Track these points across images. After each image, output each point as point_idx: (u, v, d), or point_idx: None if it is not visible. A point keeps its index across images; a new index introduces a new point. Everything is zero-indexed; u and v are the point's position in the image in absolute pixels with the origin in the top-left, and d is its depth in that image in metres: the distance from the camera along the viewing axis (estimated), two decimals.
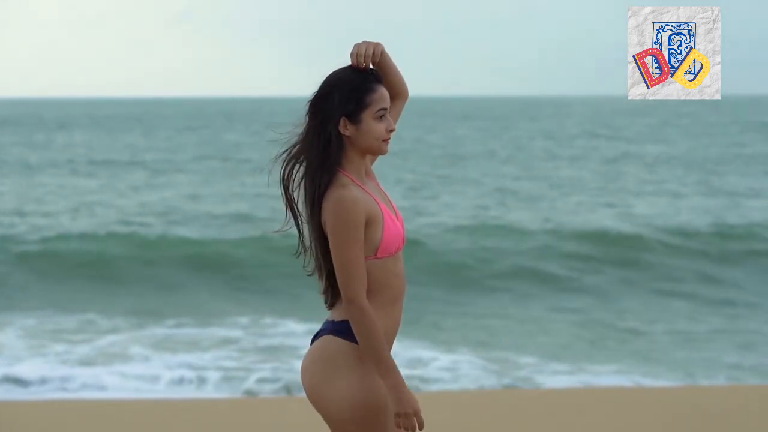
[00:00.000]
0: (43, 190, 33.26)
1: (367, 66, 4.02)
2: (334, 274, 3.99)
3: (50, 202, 29.60)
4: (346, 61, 4.04)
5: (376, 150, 4.02)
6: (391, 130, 4.03)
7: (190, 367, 12.32)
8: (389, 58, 4.10)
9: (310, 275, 4.08)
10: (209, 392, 11.33)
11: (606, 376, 12.02)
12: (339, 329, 3.97)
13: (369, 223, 3.92)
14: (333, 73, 4.02)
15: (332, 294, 4.04)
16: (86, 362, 12.61)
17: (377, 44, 4.04)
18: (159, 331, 14.65)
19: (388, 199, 4.10)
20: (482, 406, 9.30)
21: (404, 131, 70.22)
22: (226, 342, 13.77)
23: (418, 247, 19.81)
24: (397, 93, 4.18)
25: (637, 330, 15.01)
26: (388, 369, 3.85)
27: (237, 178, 36.65)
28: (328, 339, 3.98)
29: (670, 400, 9.39)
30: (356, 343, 3.92)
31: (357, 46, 4.03)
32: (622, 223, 24.74)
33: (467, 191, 33.08)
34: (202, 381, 11.74)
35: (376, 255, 3.94)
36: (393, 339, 4.04)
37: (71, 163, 44.76)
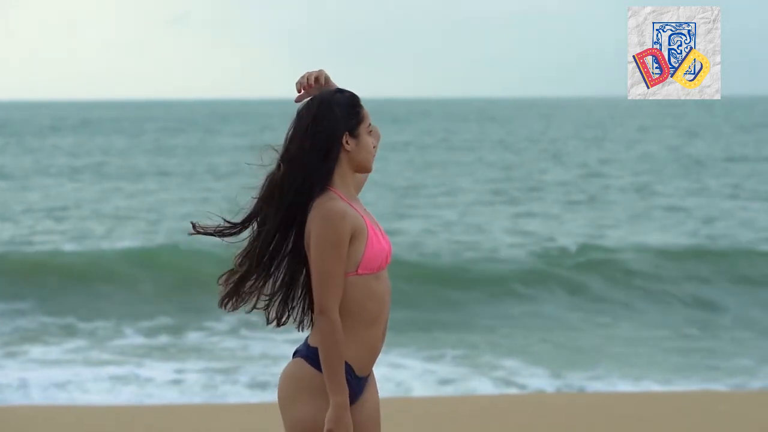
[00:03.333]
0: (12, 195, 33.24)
1: (315, 83, 4.09)
2: (292, 289, 4.04)
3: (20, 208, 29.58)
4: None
5: (368, 165, 4.09)
6: (374, 146, 4.11)
7: (169, 372, 12.31)
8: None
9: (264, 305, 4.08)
10: (189, 397, 11.30)
11: (585, 381, 12.04)
12: (311, 356, 4.00)
13: (354, 238, 3.94)
14: (317, 97, 4.06)
15: (295, 314, 4.09)
16: (62, 366, 12.60)
17: (322, 71, 4.12)
18: (136, 337, 14.67)
19: (375, 221, 4.11)
20: (467, 411, 9.30)
21: (396, 135, 70.09)
22: (204, 348, 13.77)
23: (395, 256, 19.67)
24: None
25: (614, 335, 15.07)
26: (338, 387, 3.88)
27: (209, 182, 36.53)
28: (299, 363, 4.02)
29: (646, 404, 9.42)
30: (321, 371, 3.97)
31: (306, 73, 4.12)
32: (597, 231, 24.76)
33: (444, 196, 32.96)
34: (181, 385, 11.71)
35: (357, 271, 3.96)
36: (370, 361, 4.05)
37: (53, 167, 44.62)
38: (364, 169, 4.09)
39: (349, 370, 3.98)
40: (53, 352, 13.49)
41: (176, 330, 14.94)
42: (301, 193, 3.97)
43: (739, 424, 8.60)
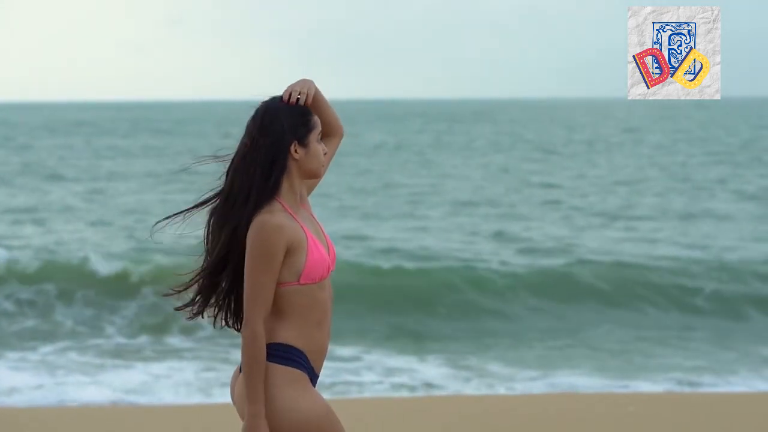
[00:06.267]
0: None
1: (300, 103, 4.09)
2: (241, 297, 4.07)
3: None
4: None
5: (318, 172, 4.11)
6: (325, 153, 4.13)
7: (151, 372, 12.33)
8: (323, 97, 4.18)
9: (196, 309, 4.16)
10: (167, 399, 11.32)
11: (570, 378, 12.15)
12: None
13: (292, 251, 3.97)
14: (261, 107, 4.07)
15: (236, 317, 4.14)
16: (44, 367, 12.61)
17: (310, 86, 4.12)
18: (118, 337, 14.70)
19: (320, 229, 4.15)
20: (455, 412, 9.35)
21: (388, 136, 69.86)
22: (179, 351, 13.83)
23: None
24: (333, 131, 4.28)
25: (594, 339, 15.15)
26: (256, 398, 3.92)
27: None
28: None
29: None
30: (282, 364, 4.00)
31: (291, 86, 4.12)
32: (576, 233, 24.75)
33: (430, 197, 32.88)
34: (163, 386, 11.74)
35: (298, 281, 3.99)
36: (320, 362, 4.10)
37: (40, 168, 44.42)
38: (314, 176, 4.12)
39: (303, 357, 4.02)
40: (36, 353, 13.51)
41: (158, 331, 14.97)
42: (246, 205, 3.99)
43: (643, 426, 8.68)
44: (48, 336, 14.76)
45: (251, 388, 3.92)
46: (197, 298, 4.14)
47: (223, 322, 4.17)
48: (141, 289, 17.15)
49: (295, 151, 4.03)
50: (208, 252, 4.09)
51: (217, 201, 4.09)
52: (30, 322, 15.56)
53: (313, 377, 4.08)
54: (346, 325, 14.70)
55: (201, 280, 4.11)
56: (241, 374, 4.03)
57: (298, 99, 4.08)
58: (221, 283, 4.12)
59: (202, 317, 4.18)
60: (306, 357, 4.03)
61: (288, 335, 4.00)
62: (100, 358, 13.30)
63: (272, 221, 3.94)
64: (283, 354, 3.99)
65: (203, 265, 4.11)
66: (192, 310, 4.16)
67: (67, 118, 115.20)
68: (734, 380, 12.26)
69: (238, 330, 4.13)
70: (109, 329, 15.21)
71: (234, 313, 4.16)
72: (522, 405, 9.86)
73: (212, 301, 4.14)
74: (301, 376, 4.00)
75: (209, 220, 4.09)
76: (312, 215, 4.17)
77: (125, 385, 11.66)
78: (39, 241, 22.89)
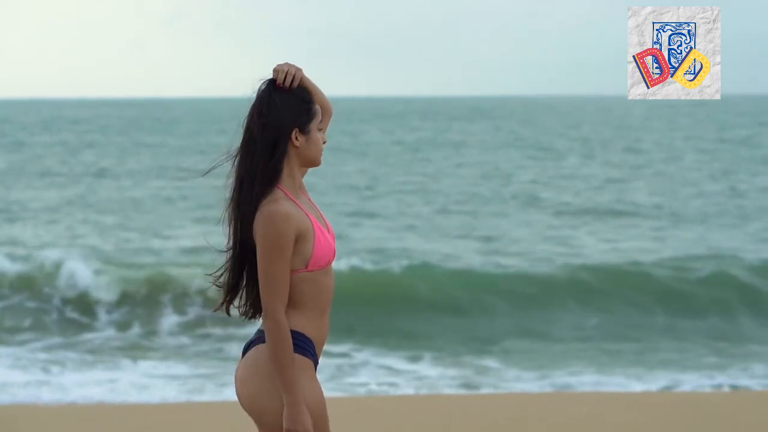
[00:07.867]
0: None
1: (287, 85, 4.07)
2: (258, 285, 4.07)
3: None
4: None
5: (317, 160, 4.13)
6: (324, 142, 4.16)
7: (140, 371, 12.35)
8: (309, 81, 4.17)
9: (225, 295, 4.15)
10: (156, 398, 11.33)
11: (565, 378, 12.18)
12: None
13: (300, 239, 3.99)
14: (260, 94, 4.06)
15: (255, 305, 4.13)
16: (37, 364, 12.61)
17: (298, 69, 4.11)
18: (108, 330, 14.75)
19: (320, 214, 4.17)
20: (449, 411, 9.37)
21: (383, 135, 69.81)
22: (173, 349, 13.84)
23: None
24: (324, 111, 4.26)
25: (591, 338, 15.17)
26: (292, 385, 3.93)
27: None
28: (262, 348, 4.03)
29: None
30: (296, 352, 4.00)
31: (280, 65, 4.10)
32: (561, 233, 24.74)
33: (420, 196, 32.81)
34: (153, 384, 11.75)
35: (307, 268, 4.01)
36: (322, 347, 4.13)
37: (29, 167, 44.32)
38: (312, 164, 4.14)
39: (312, 346, 4.04)
40: (27, 349, 13.52)
41: (153, 329, 15.00)
42: (252, 190, 3.99)
43: (637, 424, 8.71)
44: (41, 334, 14.77)
45: (284, 377, 3.92)
46: (227, 287, 4.13)
47: (242, 311, 4.15)
48: (134, 288, 17.17)
49: (296, 138, 4.04)
50: (232, 243, 4.10)
51: (230, 194, 4.08)
52: (22, 321, 15.58)
53: (316, 365, 4.10)
54: (337, 324, 14.70)
55: (229, 267, 4.12)
56: (249, 362, 4.03)
57: (291, 82, 4.07)
58: (243, 269, 4.12)
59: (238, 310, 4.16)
60: (314, 346, 4.06)
61: (300, 323, 4.02)
62: (92, 356, 13.31)
63: (279, 211, 3.95)
64: (296, 342, 4.00)
65: (229, 253, 4.13)
66: (223, 301, 4.15)
67: (64, 116, 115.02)
68: (728, 379, 12.29)
69: (251, 318, 4.14)
70: (102, 328, 15.22)
71: (251, 302, 4.15)
72: (516, 404, 9.88)
73: (237, 289, 4.14)
74: (309, 365, 4.02)
75: (226, 213, 4.10)
76: (310, 200, 4.18)
77: (120, 383, 11.67)
78: (29, 239, 22.90)
